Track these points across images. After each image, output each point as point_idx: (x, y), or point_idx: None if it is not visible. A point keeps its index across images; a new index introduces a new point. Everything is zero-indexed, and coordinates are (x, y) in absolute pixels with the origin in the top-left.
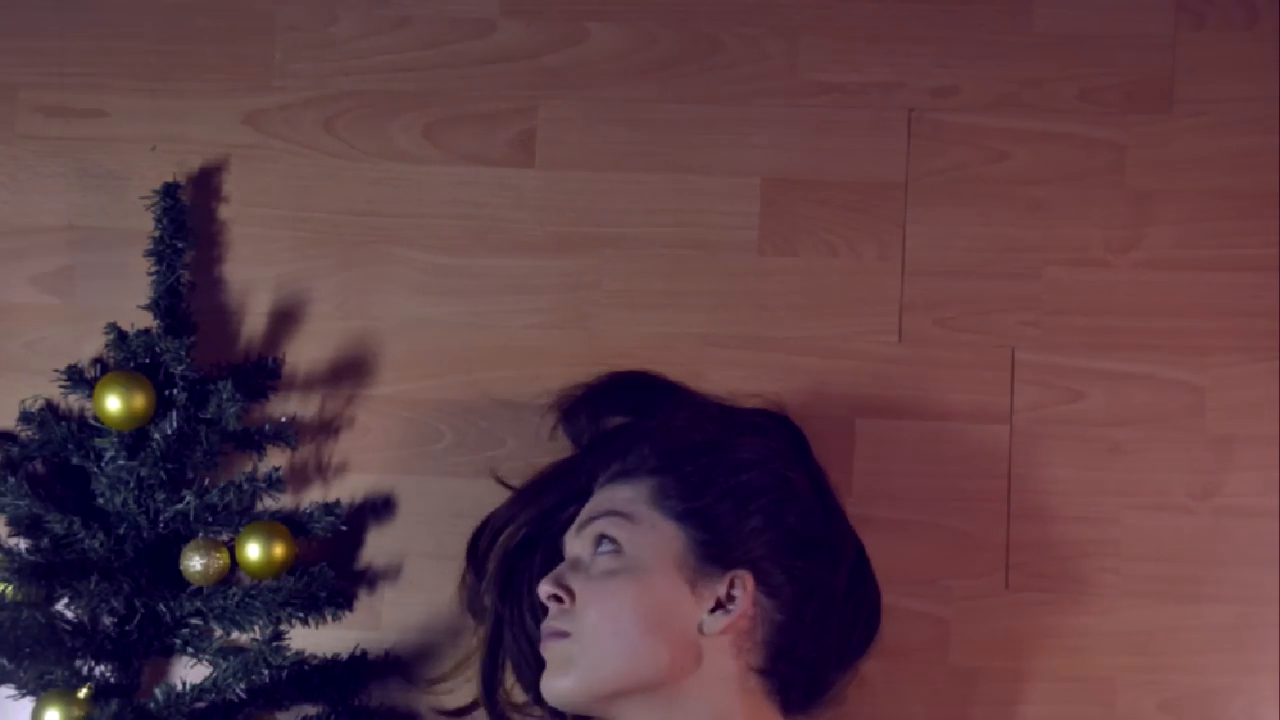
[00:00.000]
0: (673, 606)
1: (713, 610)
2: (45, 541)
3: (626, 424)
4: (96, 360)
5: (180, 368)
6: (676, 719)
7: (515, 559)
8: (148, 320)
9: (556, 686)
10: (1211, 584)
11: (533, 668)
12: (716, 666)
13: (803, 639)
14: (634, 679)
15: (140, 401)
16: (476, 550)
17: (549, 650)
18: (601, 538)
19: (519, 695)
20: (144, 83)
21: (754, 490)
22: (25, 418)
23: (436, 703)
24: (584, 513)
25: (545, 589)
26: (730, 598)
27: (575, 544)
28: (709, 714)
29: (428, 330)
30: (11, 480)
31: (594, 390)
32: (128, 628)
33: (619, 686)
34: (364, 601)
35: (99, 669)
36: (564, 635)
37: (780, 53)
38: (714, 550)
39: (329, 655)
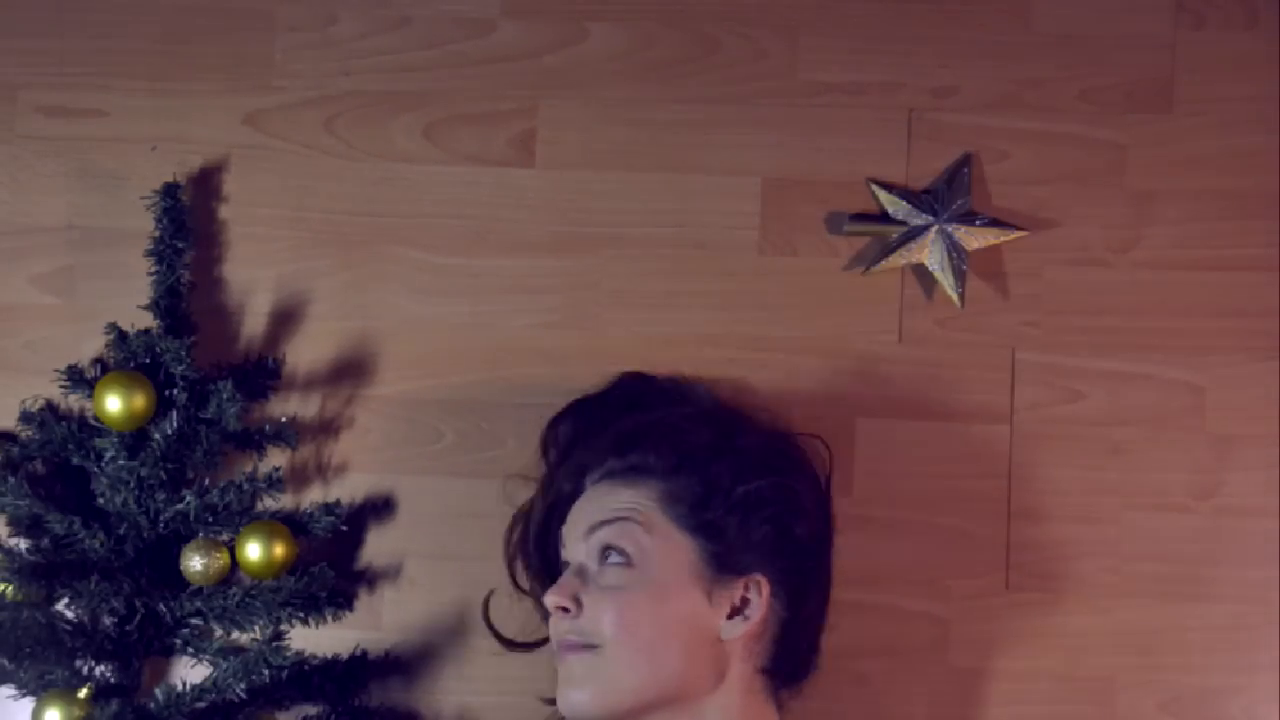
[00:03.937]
0: (692, 617)
1: (730, 616)
2: (45, 541)
3: (621, 419)
4: (96, 360)
5: (180, 368)
6: None
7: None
8: (148, 320)
9: (576, 700)
10: (1211, 584)
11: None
12: (731, 671)
13: (802, 633)
14: (656, 692)
15: (140, 401)
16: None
17: (568, 663)
18: (609, 549)
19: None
20: (144, 83)
21: (762, 500)
22: (25, 418)
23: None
24: (586, 515)
25: (553, 599)
26: (745, 601)
27: (580, 549)
28: (721, 718)
29: (428, 330)
30: (11, 480)
31: (589, 399)
32: (128, 628)
33: (641, 700)
34: (364, 601)
35: (99, 669)
36: (589, 649)
37: (780, 53)
38: (726, 558)
39: (329, 655)
